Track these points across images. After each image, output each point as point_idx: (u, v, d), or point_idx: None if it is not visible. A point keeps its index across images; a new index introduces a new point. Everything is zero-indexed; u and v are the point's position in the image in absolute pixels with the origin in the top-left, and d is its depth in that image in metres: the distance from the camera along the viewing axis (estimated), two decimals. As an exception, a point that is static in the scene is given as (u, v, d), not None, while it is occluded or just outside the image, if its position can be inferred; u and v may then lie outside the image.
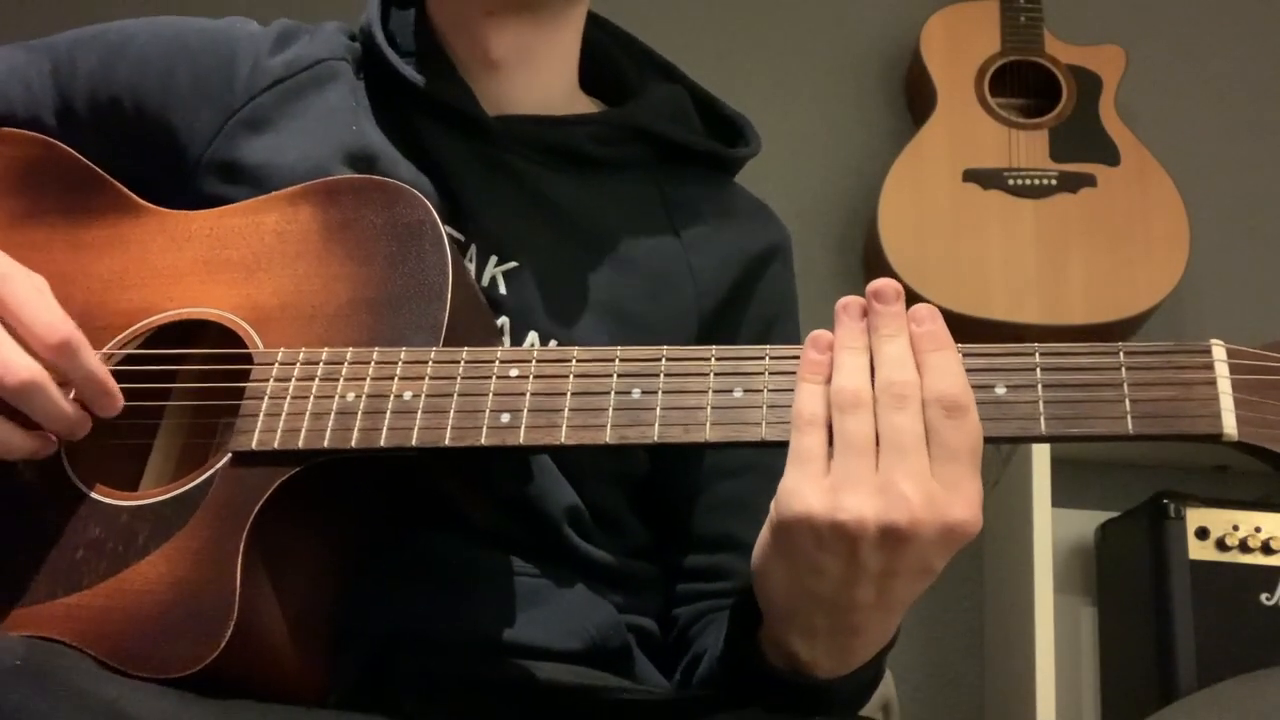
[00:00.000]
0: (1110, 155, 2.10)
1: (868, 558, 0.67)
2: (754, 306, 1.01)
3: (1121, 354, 0.69)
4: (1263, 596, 1.68)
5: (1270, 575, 1.68)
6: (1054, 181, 2.08)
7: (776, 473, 0.76)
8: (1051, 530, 1.77)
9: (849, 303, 0.72)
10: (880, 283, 0.71)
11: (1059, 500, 1.83)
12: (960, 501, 0.66)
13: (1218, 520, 1.71)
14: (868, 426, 0.67)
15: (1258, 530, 1.70)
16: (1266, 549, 1.69)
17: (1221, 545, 1.70)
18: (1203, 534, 1.70)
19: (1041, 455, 1.80)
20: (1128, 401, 0.68)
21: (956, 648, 2.05)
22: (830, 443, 0.68)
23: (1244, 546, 1.69)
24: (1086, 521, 2.01)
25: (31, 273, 0.81)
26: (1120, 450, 2.02)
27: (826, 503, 0.66)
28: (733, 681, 0.82)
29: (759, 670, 0.78)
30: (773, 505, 0.69)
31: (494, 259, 0.94)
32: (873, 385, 0.69)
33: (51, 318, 0.77)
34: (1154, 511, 1.73)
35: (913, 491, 0.65)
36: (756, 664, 0.78)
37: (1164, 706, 0.75)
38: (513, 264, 0.94)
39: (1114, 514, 1.93)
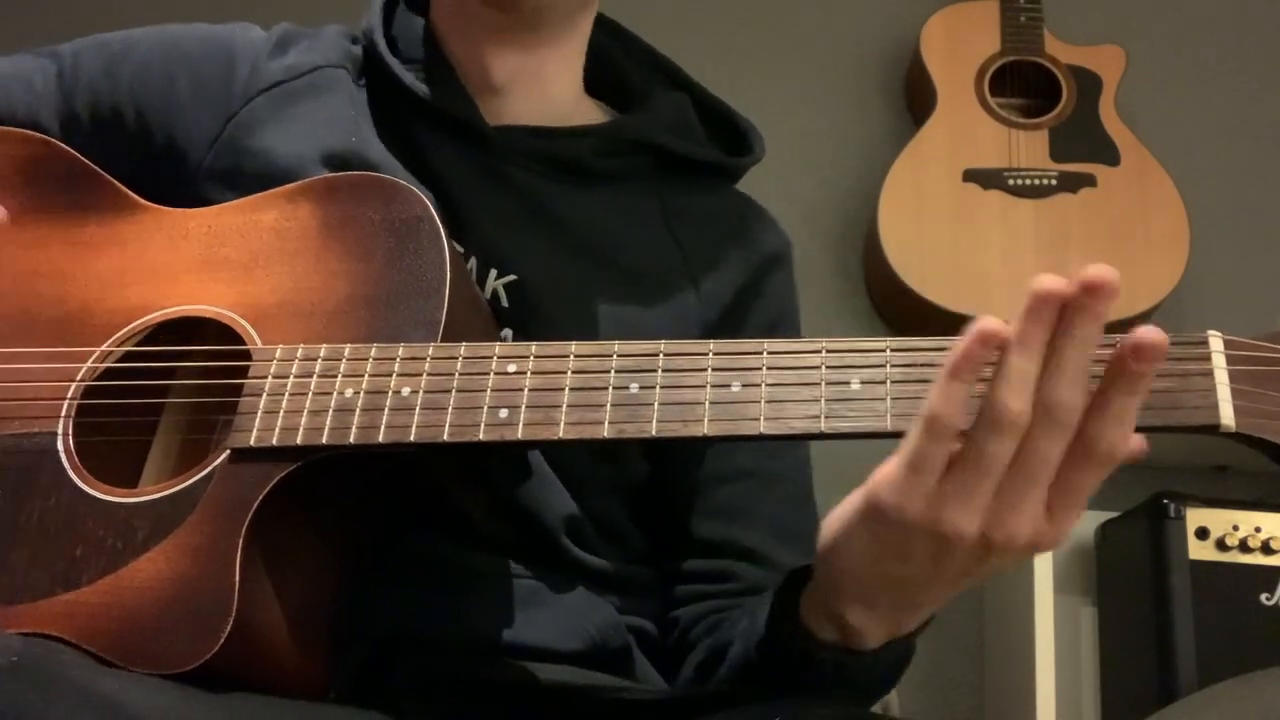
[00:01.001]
0: (1110, 155, 2.11)
1: (954, 561, 0.66)
2: (755, 316, 1.01)
3: (1119, 346, 0.69)
4: (1263, 596, 1.68)
5: (1270, 575, 1.68)
6: (1054, 181, 2.08)
7: (776, 479, 0.75)
8: (1051, 530, 1.76)
9: (1049, 294, 0.61)
10: (1099, 273, 0.61)
11: (1059, 500, 1.83)
12: (1058, 532, 0.64)
13: (1218, 520, 1.71)
14: (1011, 449, 0.61)
15: (1258, 530, 1.70)
16: (1266, 549, 1.69)
17: (1221, 545, 1.70)
18: (1203, 534, 1.70)
19: (1042, 455, 1.80)
20: None
21: (956, 648, 2.05)
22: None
23: (1244, 546, 1.69)
24: (1086, 521, 2.00)
25: None
26: (1120, 450, 2.01)
27: (931, 514, 0.63)
28: (770, 657, 0.80)
29: (803, 643, 0.76)
30: (869, 488, 0.66)
31: (494, 272, 0.93)
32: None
33: None
34: (1154, 511, 1.73)
35: (1023, 525, 0.62)
36: (800, 634, 0.76)
37: (1164, 706, 0.75)
38: (512, 277, 0.93)
39: (1114, 514, 1.92)
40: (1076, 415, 0.60)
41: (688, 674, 0.94)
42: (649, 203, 1.01)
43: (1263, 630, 1.65)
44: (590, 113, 1.06)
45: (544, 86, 1.01)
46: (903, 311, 2.04)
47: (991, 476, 0.61)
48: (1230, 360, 0.68)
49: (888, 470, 0.64)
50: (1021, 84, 2.19)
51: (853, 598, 0.72)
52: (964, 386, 0.60)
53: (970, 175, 2.10)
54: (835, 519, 0.70)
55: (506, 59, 0.99)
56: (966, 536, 0.63)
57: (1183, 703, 0.77)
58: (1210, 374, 0.68)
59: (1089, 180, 2.08)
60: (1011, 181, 2.09)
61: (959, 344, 0.60)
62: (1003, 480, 0.62)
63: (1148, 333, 0.59)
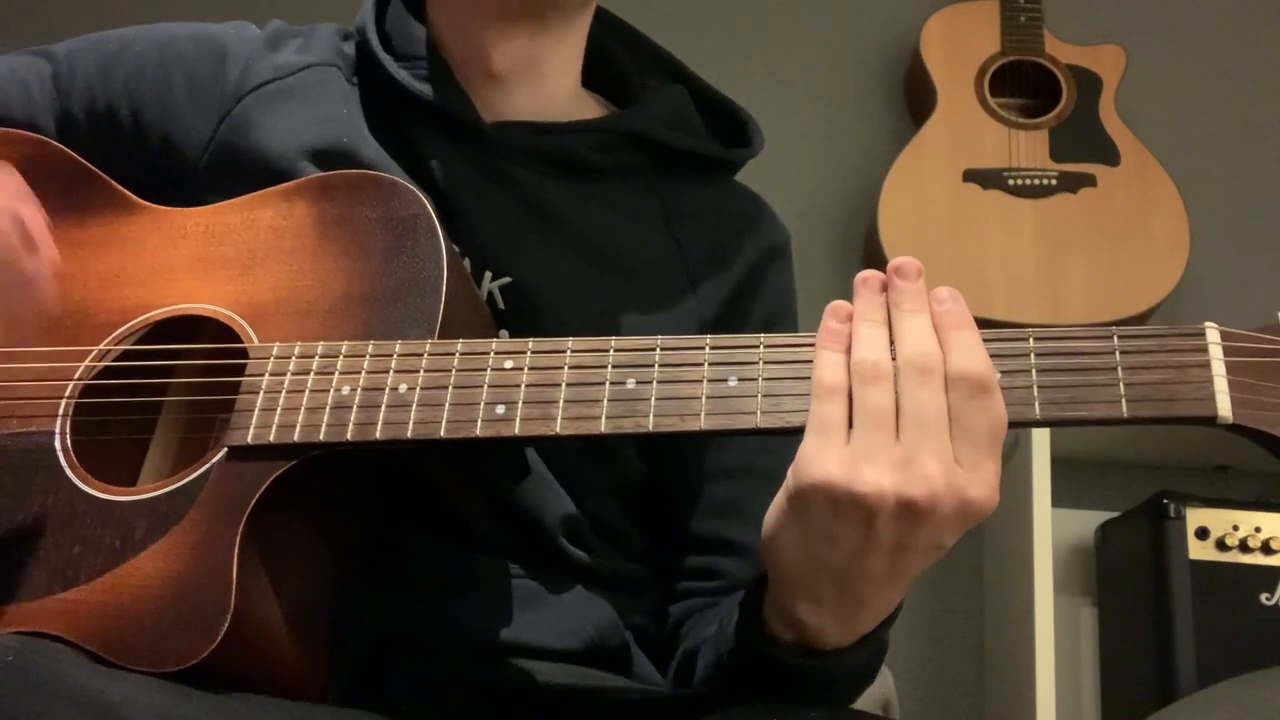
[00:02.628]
0: (1110, 155, 2.11)
1: (882, 530, 0.67)
2: (754, 311, 1.01)
3: (1115, 338, 0.69)
4: (1263, 596, 1.68)
5: (1270, 575, 1.68)
6: (1054, 181, 2.08)
7: (771, 475, 0.75)
8: (1051, 530, 1.77)
9: (869, 276, 0.72)
10: (902, 260, 0.71)
11: (1059, 500, 1.83)
12: (979, 481, 0.66)
13: (1218, 520, 1.71)
14: (889, 399, 0.67)
15: (1258, 530, 1.70)
16: (1266, 549, 1.69)
17: (1221, 545, 1.70)
18: (1203, 534, 1.70)
19: (1041, 455, 1.80)
20: (1122, 385, 0.68)
21: (956, 648, 2.05)
22: (850, 412, 0.68)
23: (1244, 546, 1.69)
24: (1086, 521, 2.00)
25: None
26: (1120, 450, 2.02)
27: (846, 473, 0.66)
28: (740, 664, 0.81)
29: (767, 650, 0.77)
30: (790, 471, 0.69)
31: (489, 274, 0.93)
32: (893, 359, 0.69)
33: None
34: (1154, 511, 1.73)
35: (934, 468, 0.65)
36: (764, 641, 0.77)
37: (1164, 706, 0.75)
38: (507, 279, 0.93)
39: (1114, 514, 1.93)
40: (933, 361, 0.68)
41: (669, 678, 0.94)
42: (649, 200, 1.01)
43: (1263, 630, 1.65)
44: (588, 107, 1.05)
45: (543, 79, 1.00)
46: (903, 311, 2.04)
47: (885, 428, 0.67)
48: (1227, 352, 0.68)
49: (802, 448, 0.69)
50: (1021, 84, 2.19)
51: (798, 593, 0.73)
52: (834, 354, 0.70)
53: (970, 175, 2.09)
54: (769, 514, 0.72)
55: (508, 47, 0.98)
56: (885, 495, 0.65)
57: (1183, 703, 0.76)
58: (1207, 366, 0.68)
59: (1089, 180, 2.08)
60: (1011, 181, 2.08)
61: (823, 321, 0.71)
62: (900, 433, 0.67)
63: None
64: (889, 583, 0.71)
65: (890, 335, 0.70)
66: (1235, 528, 1.70)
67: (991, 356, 0.69)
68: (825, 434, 0.67)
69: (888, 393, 0.67)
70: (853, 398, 0.68)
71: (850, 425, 0.68)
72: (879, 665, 0.82)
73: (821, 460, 0.67)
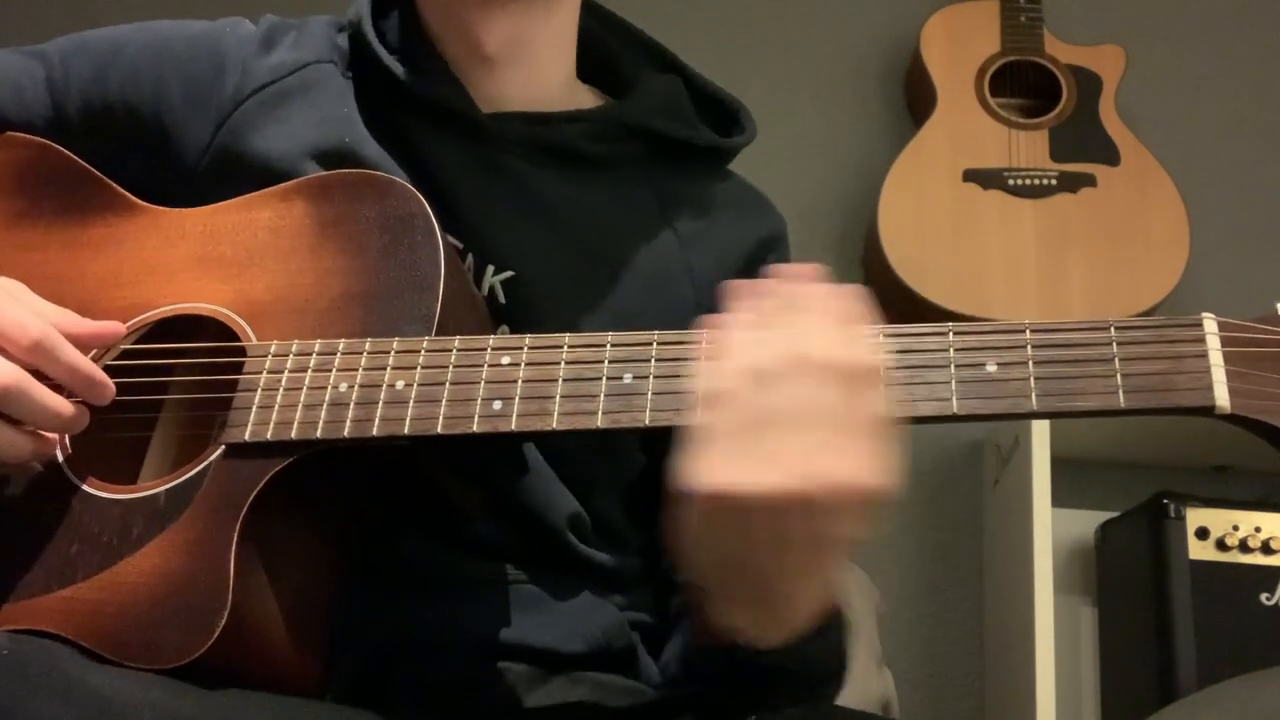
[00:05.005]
0: (1110, 155, 2.11)
1: (758, 527, 0.66)
2: None
3: (1112, 329, 0.69)
4: (1263, 596, 1.67)
5: (1270, 575, 1.68)
6: (1054, 181, 2.08)
7: None
8: (1051, 530, 1.76)
9: (747, 284, 0.70)
10: (797, 267, 0.70)
11: (1059, 500, 1.83)
12: (848, 468, 0.64)
13: (1218, 520, 1.71)
14: (759, 400, 0.66)
15: (1258, 530, 1.70)
16: (1266, 549, 1.69)
17: (1221, 545, 1.70)
18: (1203, 534, 1.70)
19: (1041, 455, 1.80)
20: (1119, 376, 0.68)
21: (956, 648, 2.05)
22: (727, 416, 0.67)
23: (1244, 546, 1.69)
24: (1086, 521, 2.00)
25: (6, 280, 0.81)
26: (1120, 450, 2.01)
27: (715, 476, 0.65)
28: (702, 671, 0.81)
29: (715, 652, 0.77)
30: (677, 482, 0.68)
31: (491, 269, 0.93)
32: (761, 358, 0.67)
33: (21, 319, 0.77)
34: (1154, 511, 1.73)
35: (797, 462, 0.64)
36: (711, 647, 0.77)
37: (1164, 706, 0.75)
38: (509, 273, 0.93)
39: (1114, 514, 1.92)
40: (803, 358, 0.66)
41: (668, 655, 0.94)
42: (644, 191, 1.01)
43: (1263, 630, 1.65)
44: (583, 98, 1.05)
45: (535, 63, 1.00)
46: (902, 311, 2.04)
47: (747, 426, 0.65)
48: (1225, 343, 0.68)
49: (685, 462, 0.67)
50: (1021, 84, 2.19)
51: (723, 601, 0.74)
52: (711, 363, 0.69)
53: (970, 175, 2.10)
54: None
55: (495, 27, 0.97)
56: (745, 491, 0.64)
57: (1183, 703, 0.76)
58: (1205, 356, 0.68)
59: (1089, 180, 2.08)
60: (1011, 181, 2.08)
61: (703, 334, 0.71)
62: (770, 430, 0.65)
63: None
64: (792, 577, 0.70)
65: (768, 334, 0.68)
66: (1235, 528, 1.70)
67: (989, 349, 0.69)
68: (702, 440, 0.66)
69: (756, 392, 0.66)
70: (727, 400, 0.67)
71: (728, 429, 0.66)
72: (836, 663, 0.82)
73: (696, 466, 0.66)
